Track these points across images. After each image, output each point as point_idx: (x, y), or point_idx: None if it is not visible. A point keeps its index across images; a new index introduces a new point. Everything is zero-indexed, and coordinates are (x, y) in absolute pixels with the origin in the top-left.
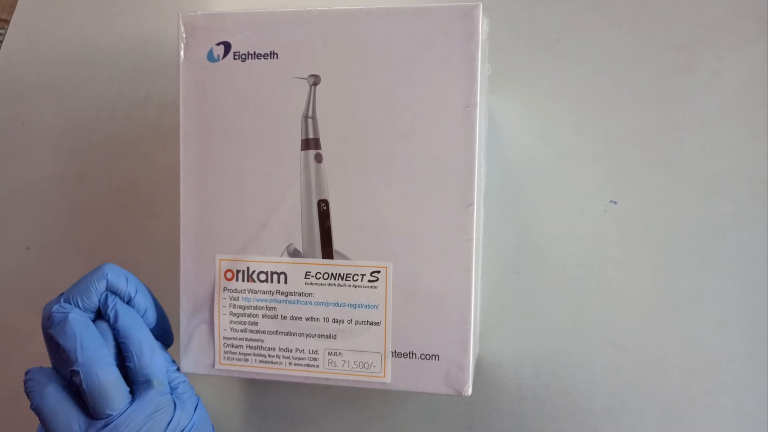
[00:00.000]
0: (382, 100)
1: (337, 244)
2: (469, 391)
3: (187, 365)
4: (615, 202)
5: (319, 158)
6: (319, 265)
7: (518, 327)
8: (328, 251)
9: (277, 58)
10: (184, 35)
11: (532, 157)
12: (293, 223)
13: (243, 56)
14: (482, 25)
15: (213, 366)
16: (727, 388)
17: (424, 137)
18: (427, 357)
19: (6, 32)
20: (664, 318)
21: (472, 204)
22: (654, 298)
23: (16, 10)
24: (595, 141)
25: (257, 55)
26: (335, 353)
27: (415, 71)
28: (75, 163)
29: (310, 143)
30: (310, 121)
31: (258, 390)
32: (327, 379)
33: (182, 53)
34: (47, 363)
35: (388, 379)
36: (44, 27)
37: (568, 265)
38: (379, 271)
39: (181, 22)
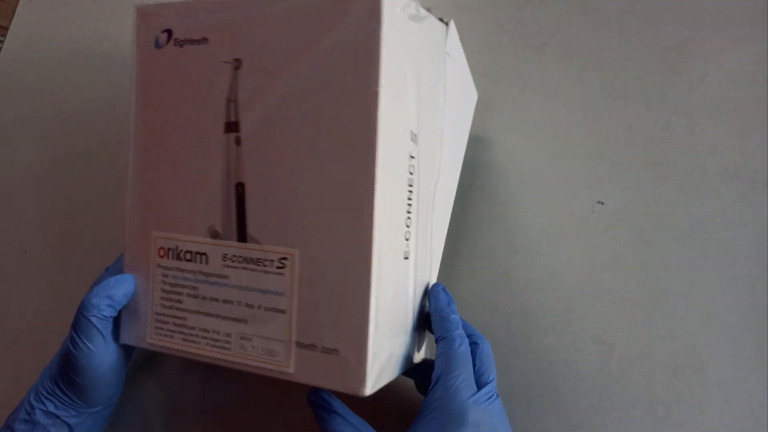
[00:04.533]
0: (295, 83)
1: (251, 227)
2: (367, 392)
3: (123, 336)
4: (602, 203)
5: (238, 141)
6: (234, 248)
7: (507, 326)
8: (242, 234)
9: (207, 43)
10: (137, 24)
11: (521, 158)
12: (214, 204)
13: (181, 42)
14: (398, 2)
15: (144, 340)
16: (714, 385)
17: (330, 120)
18: (328, 351)
19: (5, 38)
20: (652, 316)
21: (371, 191)
22: (641, 297)
23: (14, 17)
24: (583, 142)
25: (192, 41)
26: (246, 338)
27: (322, 52)
28: (73, 166)
29: (231, 126)
30: (232, 104)
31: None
32: (236, 363)
33: (135, 41)
34: (44, 364)
35: (291, 370)
36: (42, 33)
37: (556, 265)
38: (286, 258)
39: (135, 11)
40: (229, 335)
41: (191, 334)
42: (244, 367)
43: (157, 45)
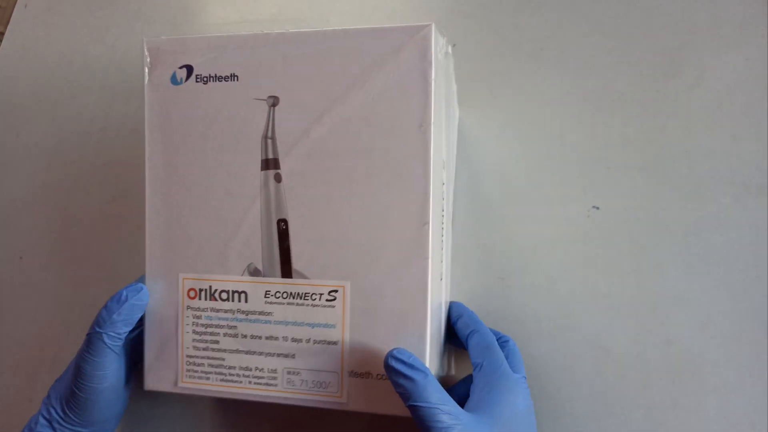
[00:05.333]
0: (341, 119)
1: (296, 263)
2: None
3: (150, 382)
4: (597, 208)
5: (278, 178)
6: (278, 284)
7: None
8: (287, 270)
9: (237, 80)
10: (148, 59)
11: (516, 163)
12: (254, 242)
13: (205, 79)
14: (438, 44)
15: (176, 384)
16: (711, 390)
17: (381, 155)
18: (384, 377)
19: (1, 44)
20: (648, 321)
21: (427, 223)
22: (637, 302)
23: (10, 23)
24: (578, 147)
25: (218, 78)
26: (294, 372)
27: (370, 90)
28: (68, 174)
29: (270, 163)
30: (269, 141)
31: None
32: (285, 398)
33: (147, 77)
34: (40, 371)
35: (344, 399)
36: (38, 40)
37: (552, 270)
38: (336, 291)
39: (145, 46)
40: (274, 371)
41: (231, 374)
42: (292, 401)
43: (175, 81)
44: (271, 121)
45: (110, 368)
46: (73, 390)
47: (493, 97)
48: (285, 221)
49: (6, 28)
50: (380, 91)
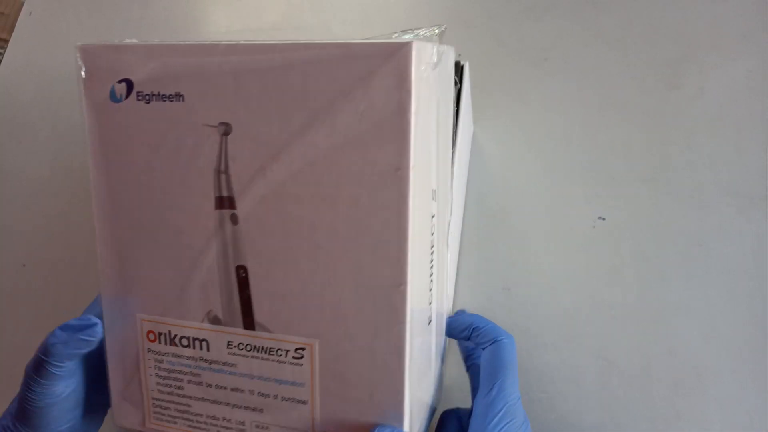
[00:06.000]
0: (304, 157)
1: (258, 314)
2: None
3: (118, 419)
4: (603, 219)
5: (234, 219)
6: (241, 335)
7: None
8: (249, 322)
9: (183, 100)
10: (83, 69)
11: (521, 173)
12: (212, 288)
13: (147, 97)
14: (423, 61)
15: (144, 424)
16: (714, 401)
17: (349, 204)
18: None
19: (5, 51)
20: (652, 332)
21: (404, 284)
22: (642, 312)
23: (14, 31)
24: (582, 157)
25: (162, 96)
26: (263, 427)
27: (336, 125)
28: (70, 181)
29: (225, 202)
30: (223, 176)
31: None
32: None
33: (83, 90)
34: None
35: None
36: (41, 47)
37: (556, 281)
38: (303, 348)
39: (78, 53)
40: (242, 423)
41: (198, 421)
42: None
43: (115, 98)
44: (223, 152)
45: (59, 389)
46: (22, 405)
47: (497, 107)
48: (244, 268)
49: (10, 35)
50: (348, 126)
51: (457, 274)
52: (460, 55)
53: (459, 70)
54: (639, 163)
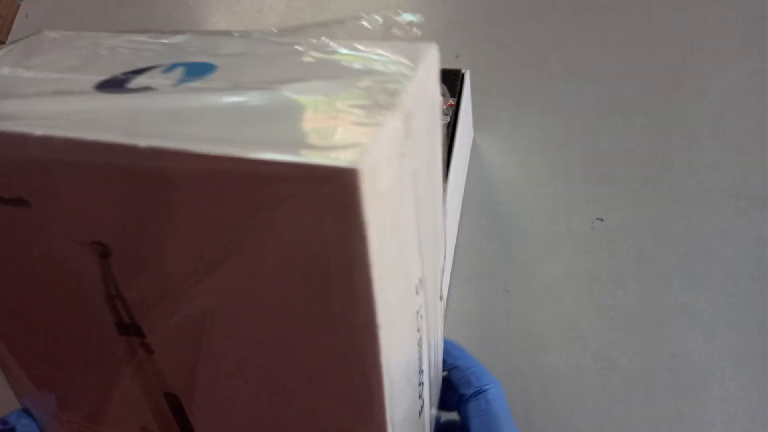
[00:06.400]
0: (217, 292)
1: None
2: None
3: None
4: (602, 220)
5: (147, 348)
6: None
7: (507, 344)
8: None
9: (29, 207)
10: None
11: (520, 175)
12: (142, 406)
13: None
14: (400, 134)
15: None
16: (716, 403)
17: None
18: None
19: None
20: (652, 333)
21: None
22: (642, 314)
23: (11, 33)
24: (582, 159)
25: (2, 201)
26: None
27: (262, 265)
28: None
29: (129, 329)
30: (118, 302)
31: None
32: None
33: None
34: None
35: None
36: None
37: (556, 282)
38: None
39: None
40: None
41: None
42: None
43: None
44: (109, 276)
45: None
46: None
47: (497, 109)
48: (175, 396)
49: (6, 37)
50: (279, 269)
51: (455, 276)
52: (458, 56)
53: (459, 78)
54: (639, 165)
